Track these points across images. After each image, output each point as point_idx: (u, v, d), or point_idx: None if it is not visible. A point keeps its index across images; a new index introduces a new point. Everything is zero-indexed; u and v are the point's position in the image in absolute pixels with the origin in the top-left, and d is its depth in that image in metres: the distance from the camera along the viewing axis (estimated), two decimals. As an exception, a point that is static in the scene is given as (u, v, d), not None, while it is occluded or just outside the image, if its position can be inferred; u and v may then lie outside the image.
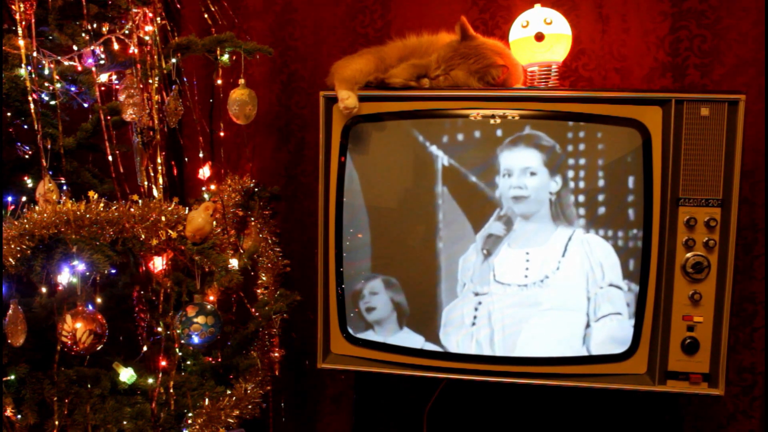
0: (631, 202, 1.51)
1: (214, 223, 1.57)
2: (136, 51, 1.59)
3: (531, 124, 1.53)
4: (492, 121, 1.55)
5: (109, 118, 1.64)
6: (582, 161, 1.51)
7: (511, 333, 1.59)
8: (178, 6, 2.17)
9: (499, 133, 1.55)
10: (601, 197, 1.51)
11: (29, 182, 1.72)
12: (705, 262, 1.48)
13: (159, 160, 1.65)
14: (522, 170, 1.54)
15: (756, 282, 1.91)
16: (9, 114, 1.61)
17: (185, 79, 1.98)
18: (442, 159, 1.58)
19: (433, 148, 1.59)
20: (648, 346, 1.53)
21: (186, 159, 2.28)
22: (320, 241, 1.68)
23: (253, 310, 1.90)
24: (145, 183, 1.65)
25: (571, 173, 1.52)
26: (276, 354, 1.94)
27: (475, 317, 1.60)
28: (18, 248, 1.33)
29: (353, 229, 1.66)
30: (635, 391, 1.54)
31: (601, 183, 1.51)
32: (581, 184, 1.52)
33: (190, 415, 1.64)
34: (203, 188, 1.92)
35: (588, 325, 1.55)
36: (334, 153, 1.65)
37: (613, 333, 1.54)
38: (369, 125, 1.63)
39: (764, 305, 1.91)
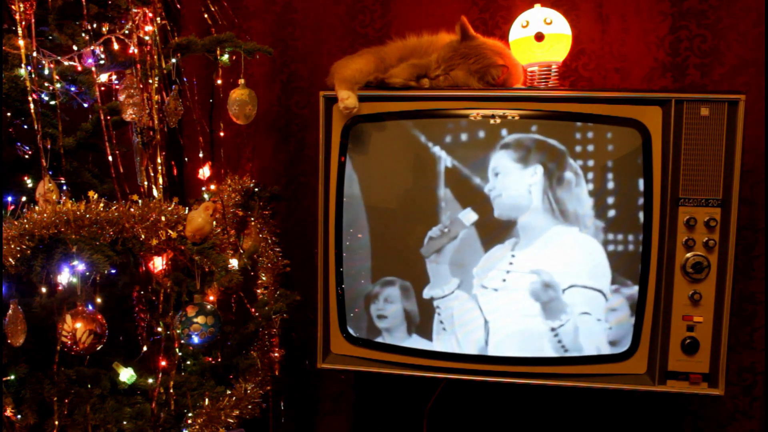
0: (630, 203, 1.51)
1: (214, 223, 1.57)
2: (136, 51, 1.59)
3: (524, 125, 1.53)
4: (492, 121, 1.55)
5: (109, 118, 1.64)
6: (581, 161, 1.52)
7: (510, 333, 1.59)
8: (178, 6, 2.17)
9: (503, 132, 1.55)
10: (600, 197, 1.51)
11: (29, 182, 1.72)
12: (705, 262, 1.48)
13: (159, 160, 1.65)
14: (492, 171, 1.55)
15: (756, 282, 1.91)
16: (9, 114, 1.61)
17: (185, 79, 1.98)
18: (445, 160, 1.58)
19: (436, 149, 1.59)
20: (648, 346, 1.53)
21: (186, 159, 2.28)
22: (320, 241, 1.68)
23: (253, 310, 1.90)
24: (145, 183, 1.65)
25: (570, 173, 1.52)
26: (276, 354, 1.94)
27: (475, 318, 1.60)
28: (18, 248, 1.33)
29: (354, 229, 1.66)
30: (635, 391, 1.54)
31: (600, 183, 1.51)
32: (581, 184, 1.52)
33: (190, 415, 1.64)
34: (203, 188, 1.92)
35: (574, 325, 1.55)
36: (334, 153, 1.65)
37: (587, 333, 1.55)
38: (369, 125, 1.63)
39: (764, 305, 1.91)
